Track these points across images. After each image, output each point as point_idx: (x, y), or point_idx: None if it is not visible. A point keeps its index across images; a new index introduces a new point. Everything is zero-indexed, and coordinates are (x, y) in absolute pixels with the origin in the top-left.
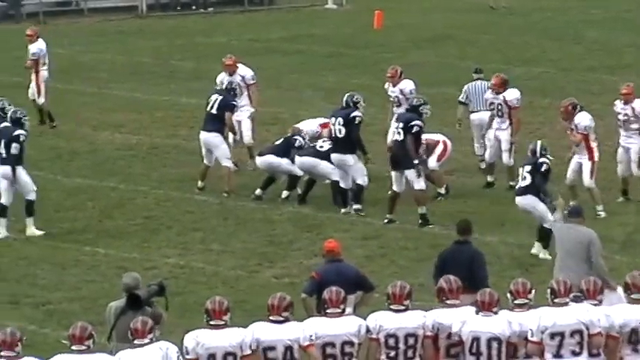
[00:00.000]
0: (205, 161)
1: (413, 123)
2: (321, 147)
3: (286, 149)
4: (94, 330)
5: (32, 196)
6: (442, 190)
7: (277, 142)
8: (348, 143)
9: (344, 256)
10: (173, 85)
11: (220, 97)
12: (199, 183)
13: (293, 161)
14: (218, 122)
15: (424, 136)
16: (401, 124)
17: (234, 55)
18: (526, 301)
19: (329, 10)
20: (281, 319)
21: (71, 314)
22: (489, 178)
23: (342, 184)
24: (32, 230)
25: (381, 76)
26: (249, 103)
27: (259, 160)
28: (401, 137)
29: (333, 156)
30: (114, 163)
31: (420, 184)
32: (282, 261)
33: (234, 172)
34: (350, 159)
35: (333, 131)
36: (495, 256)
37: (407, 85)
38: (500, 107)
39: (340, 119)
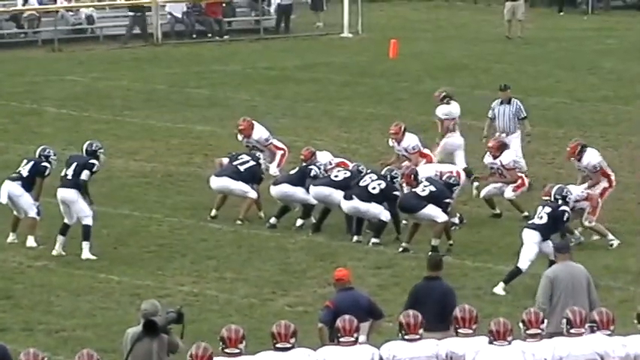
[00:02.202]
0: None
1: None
2: (336, 176)
3: (301, 178)
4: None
5: (89, 222)
6: (456, 220)
7: (292, 172)
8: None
9: (357, 284)
10: (188, 113)
11: (254, 164)
12: (213, 212)
13: (308, 190)
14: (236, 172)
15: (439, 167)
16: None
17: (252, 82)
18: (539, 331)
19: (345, 38)
20: (288, 345)
21: (85, 341)
22: (496, 210)
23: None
24: (87, 254)
25: (397, 105)
26: (275, 150)
27: (274, 190)
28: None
29: (345, 203)
30: (128, 190)
31: (443, 217)
32: (295, 289)
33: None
34: (364, 206)
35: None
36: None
37: (410, 141)
38: (500, 171)
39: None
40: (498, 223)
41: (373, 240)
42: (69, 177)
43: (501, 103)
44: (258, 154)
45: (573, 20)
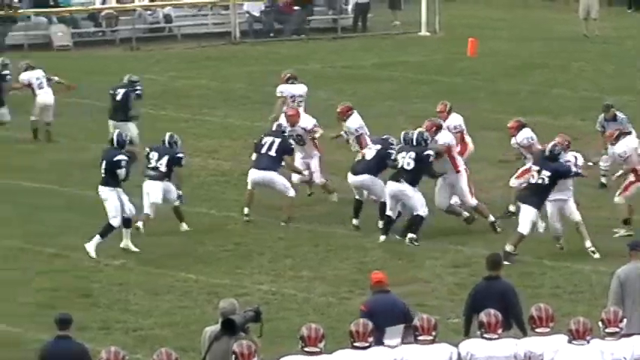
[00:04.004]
0: (250, 189)
1: None
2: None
3: (380, 163)
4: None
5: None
6: (492, 218)
7: (369, 158)
8: (415, 176)
9: (435, 283)
10: (266, 111)
11: (279, 140)
12: (246, 210)
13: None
14: (273, 162)
15: None
16: None
17: (329, 80)
18: (617, 329)
19: (422, 37)
20: (366, 344)
21: (163, 340)
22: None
23: (389, 213)
24: (127, 243)
25: (473, 104)
26: (314, 149)
27: (354, 180)
28: None
29: (392, 184)
30: (206, 189)
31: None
32: None
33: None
34: (410, 190)
35: (399, 163)
36: (588, 284)
37: (453, 120)
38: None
39: (412, 154)
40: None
41: (410, 236)
42: (161, 169)
43: (606, 120)
44: (283, 126)
45: None
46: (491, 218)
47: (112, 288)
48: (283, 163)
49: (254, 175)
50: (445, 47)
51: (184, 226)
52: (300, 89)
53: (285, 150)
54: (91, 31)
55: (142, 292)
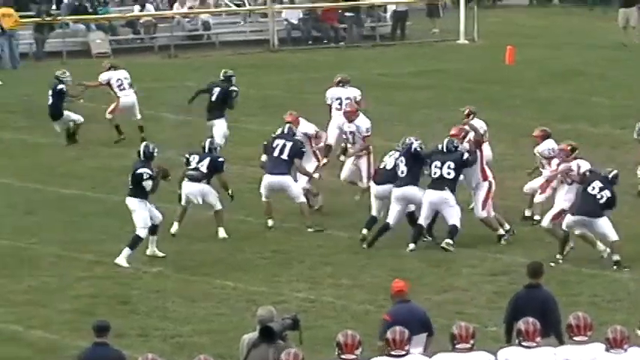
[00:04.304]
0: (266, 199)
1: None
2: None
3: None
4: None
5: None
6: (501, 231)
7: (389, 167)
8: (455, 185)
9: (473, 291)
10: (304, 119)
11: (290, 144)
12: (270, 222)
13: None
14: (287, 166)
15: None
16: None
17: (367, 88)
18: None
19: (460, 45)
20: (402, 353)
21: (201, 347)
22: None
23: (421, 221)
24: (154, 249)
25: (511, 112)
26: (312, 156)
27: (379, 190)
28: None
29: (435, 193)
30: (244, 196)
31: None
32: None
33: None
34: (453, 199)
35: (435, 172)
36: (626, 293)
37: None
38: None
39: (451, 163)
40: (616, 229)
41: (446, 240)
42: (202, 170)
43: None
44: (294, 129)
45: None
46: (501, 231)
47: (150, 295)
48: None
49: (269, 179)
50: (483, 55)
51: (222, 233)
52: (348, 92)
53: (297, 153)
54: (130, 38)
55: (179, 300)
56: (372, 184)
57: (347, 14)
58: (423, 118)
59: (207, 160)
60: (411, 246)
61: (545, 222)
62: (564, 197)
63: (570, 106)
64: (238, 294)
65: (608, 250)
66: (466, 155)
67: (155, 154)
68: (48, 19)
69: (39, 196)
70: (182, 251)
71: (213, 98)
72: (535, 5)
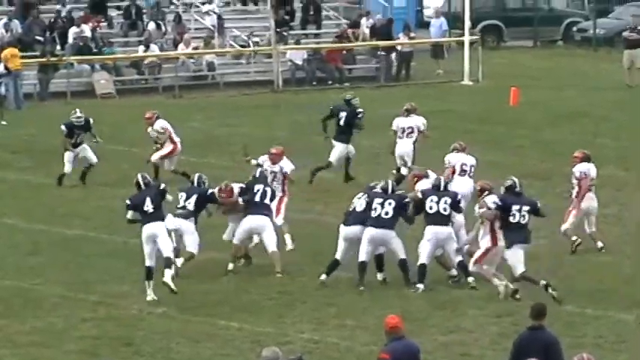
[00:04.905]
0: (241, 243)
1: None
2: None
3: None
4: None
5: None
6: (453, 272)
7: (359, 209)
8: (394, 222)
9: (478, 333)
10: (309, 160)
11: (269, 189)
12: (230, 266)
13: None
14: (271, 210)
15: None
16: None
17: (373, 128)
18: None
19: (465, 86)
20: None
21: None
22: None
23: (424, 260)
24: (168, 278)
25: (517, 153)
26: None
27: (349, 231)
28: None
29: (377, 231)
30: None
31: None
32: (416, 337)
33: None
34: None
35: (376, 210)
36: (630, 334)
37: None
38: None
39: (392, 201)
40: (619, 270)
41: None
42: (189, 208)
43: None
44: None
45: None
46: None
47: (154, 336)
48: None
49: (250, 222)
50: (488, 96)
51: (167, 276)
52: (410, 122)
53: (275, 197)
54: (134, 78)
55: (184, 340)
56: (341, 226)
57: (380, 53)
58: (429, 159)
59: (194, 197)
60: (420, 287)
61: (471, 266)
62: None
63: (575, 148)
64: (243, 335)
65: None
66: (409, 202)
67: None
68: (53, 59)
69: (43, 237)
70: (186, 292)
71: (342, 122)
72: (539, 47)
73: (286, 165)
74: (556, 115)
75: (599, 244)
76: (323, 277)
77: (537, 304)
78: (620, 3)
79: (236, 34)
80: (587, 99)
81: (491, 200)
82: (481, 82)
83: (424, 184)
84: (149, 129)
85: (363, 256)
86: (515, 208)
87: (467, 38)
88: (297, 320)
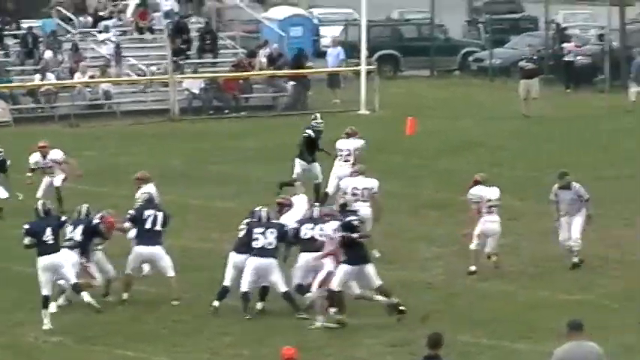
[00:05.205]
0: (133, 272)
1: None
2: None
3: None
4: None
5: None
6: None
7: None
8: (277, 251)
9: None
10: (205, 189)
11: (161, 214)
12: (125, 295)
13: None
14: (161, 237)
15: None
16: None
17: (269, 158)
18: None
19: (361, 115)
20: None
21: None
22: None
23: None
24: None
25: (414, 182)
26: None
27: (236, 259)
28: None
29: (261, 261)
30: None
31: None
32: None
33: None
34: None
35: (259, 240)
36: None
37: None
38: None
39: (273, 230)
40: (515, 299)
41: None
42: (75, 239)
43: (560, 188)
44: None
45: (589, 98)
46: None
47: None
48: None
49: (141, 250)
50: (384, 125)
51: (52, 307)
52: (350, 145)
53: (168, 222)
54: (31, 107)
55: None
56: (231, 253)
57: (291, 82)
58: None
59: (80, 227)
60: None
61: (314, 290)
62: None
63: (471, 177)
64: None
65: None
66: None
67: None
68: None
69: None
70: (82, 321)
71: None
72: (436, 76)
73: (150, 189)
74: (452, 144)
75: (494, 258)
76: (215, 303)
77: (434, 334)
78: (516, 33)
79: (133, 62)
80: (483, 128)
81: (332, 227)
82: (378, 112)
83: (290, 215)
84: (39, 158)
85: (245, 286)
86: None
87: (363, 67)
88: (191, 349)
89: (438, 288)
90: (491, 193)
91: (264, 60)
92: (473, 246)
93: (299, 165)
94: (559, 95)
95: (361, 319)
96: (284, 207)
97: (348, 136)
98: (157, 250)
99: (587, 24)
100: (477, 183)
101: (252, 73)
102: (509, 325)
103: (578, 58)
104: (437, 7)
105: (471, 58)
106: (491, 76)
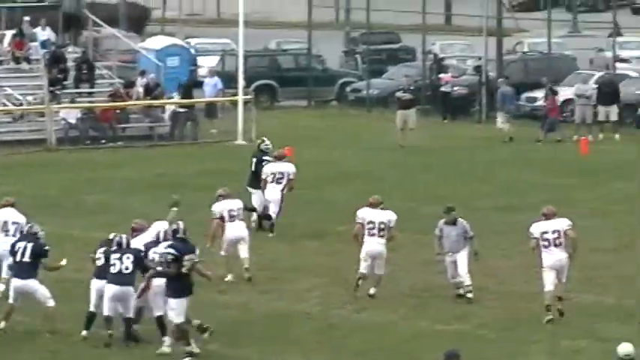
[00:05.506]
0: (13, 302)
1: None
2: None
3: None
4: None
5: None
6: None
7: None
8: (135, 277)
9: None
10: (81, 219)
11: (31, 245)
12: (1, 324)
13: None
14: (34, 269)
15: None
16: None
17: (145, 188)
18: None
19: (239, 145)
20: None
21: None
22: None
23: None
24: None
25: (290, 212)
26: None
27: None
28: None
29: (117, 288)
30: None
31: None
32: None
33: None
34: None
35: (115, 266)
36: None
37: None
38: None
39: (130, 255)
40: (394, 329)
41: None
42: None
43: (446, 223)
44: (34, 228)
45: (466, 128)
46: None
47: None
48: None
49: (16, 284)
50: None
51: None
52: (281, 168)
53: (40, 253)
54: None
55: None
56: (93, 279)
57: (181, 110)
58: (204, 218)
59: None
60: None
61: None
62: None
63: (348, 207)
64: None
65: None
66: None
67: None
68: None
69: None
70: None
71: (253, 168)
72: (313, 107)
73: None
74: (330, 175)
75: (372, 290)
76: (84, 332)
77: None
78: (393, 63)
79: (9, 92)
80: (360, 159)
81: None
82: (255, 142)
83: (141, 239)
84: None
85: (106, 310)
86: (186, 258)
87: (241, 98)
88: None
89: (316, 319)
90: (378, 216)
91: (141, 90)
92: (362, 268)
93: (258, 192)
94: (436, 126)
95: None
96: (135, 232)
97: (278, 159)
98: (30, 283)
99: (464, 54)
100: (370, 205)
101: (129, 102)
102: (389, 356)
103: (455, 88)
104: (314, 38)
105: (348, 89)
106: (369, 106)
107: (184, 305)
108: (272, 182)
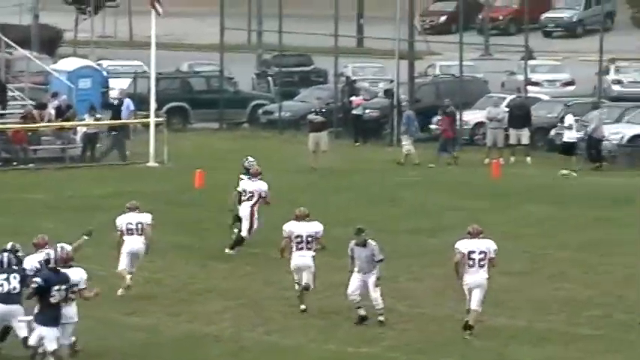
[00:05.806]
0: None
1: None
2: None
3: None
4: None
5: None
6: None
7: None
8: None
9: None
10: None
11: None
12: None
13: None
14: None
15: None
16: None
17: (57, 210)
18: None
19: (151, 167)
20: None
21: None
22: None
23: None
24: None
25: (202, 235)
26: None
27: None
28: None
29: (5, 307)
30: None
31: None
32: None
33: None
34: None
35: (3, 287)
36: None
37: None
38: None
39: (17, 275)
40: (305, 352)
41: None
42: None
43: (356, 244)
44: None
45: (378, 151)
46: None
47: None
48: None
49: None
50: (174, 178)
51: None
52: (254, 186)
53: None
54: None
55: None
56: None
57: (112, 132)
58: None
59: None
60: None
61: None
62: None
63: (260, 231)
64: None
65: None
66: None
67: None
68: None
69: None
70: None
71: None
72: (225, 129)
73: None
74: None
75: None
76: None
77: None
78: (306, 86)
79: None
80: (272, 181)
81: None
82: (167, 164)
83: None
84: None
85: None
86: (54, 288)
87: (152, 120)
88: None
89: (226, 341)
90: (304, 228)
91: (53, 112)
92: (296, 279)
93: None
94: (348, 148)
95: None
96: (37, 247)
97: (253, 176)
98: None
99: (376, 77)
100: (296, 218)
101: (40, 124)
102: None
103: (367, 111)
104: (226, 60)
105: (260, 111)
106: (281, 128)
107: (55, 334)
108: (245, 199)
